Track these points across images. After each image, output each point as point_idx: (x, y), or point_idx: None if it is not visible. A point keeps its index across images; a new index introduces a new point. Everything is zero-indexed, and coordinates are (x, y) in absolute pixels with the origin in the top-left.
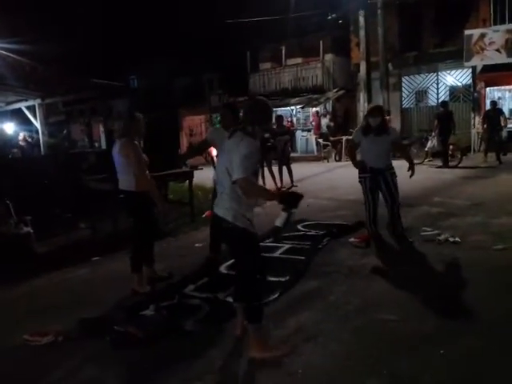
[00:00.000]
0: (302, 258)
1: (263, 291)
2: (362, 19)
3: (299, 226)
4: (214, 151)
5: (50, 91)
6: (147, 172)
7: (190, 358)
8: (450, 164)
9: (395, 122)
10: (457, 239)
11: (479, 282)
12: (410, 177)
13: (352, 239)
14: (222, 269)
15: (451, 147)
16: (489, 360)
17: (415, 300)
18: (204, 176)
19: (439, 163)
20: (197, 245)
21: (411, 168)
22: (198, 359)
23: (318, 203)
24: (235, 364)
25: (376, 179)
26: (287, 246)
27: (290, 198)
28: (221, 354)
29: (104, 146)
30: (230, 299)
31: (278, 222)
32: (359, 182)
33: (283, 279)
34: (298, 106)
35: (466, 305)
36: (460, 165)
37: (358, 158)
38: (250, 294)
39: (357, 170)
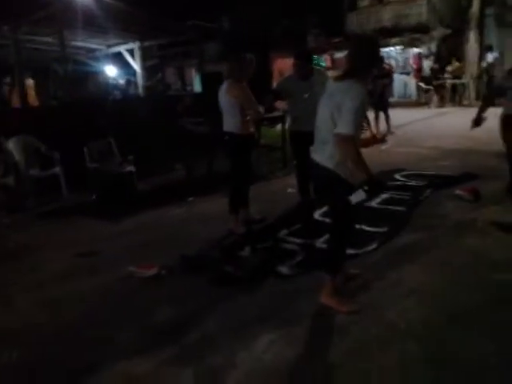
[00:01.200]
0: (402, 208)
1: (351, 244)
2: None
3: (397, 176)
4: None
5: (147, 34)
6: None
7: (287, 301)
8: None
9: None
10: None
11: None
12: None
13: (458, 191)
14: (317, 215)
15: None
16: None
17: None
18: None
19: None
20: (290, 190)
21: None
22: (295, 302)
23: (418, 152)
24: (333, 313)
25: None
26: (384, 196)
27: (376, 185)
28: (317, 300)
29: (197, 89)
30: (325, 246)
31: (353, 200)
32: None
33: (381, 230)
34: (398, 47)
35: None
36: None
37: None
38: (335, 243)
39: (465, 118)
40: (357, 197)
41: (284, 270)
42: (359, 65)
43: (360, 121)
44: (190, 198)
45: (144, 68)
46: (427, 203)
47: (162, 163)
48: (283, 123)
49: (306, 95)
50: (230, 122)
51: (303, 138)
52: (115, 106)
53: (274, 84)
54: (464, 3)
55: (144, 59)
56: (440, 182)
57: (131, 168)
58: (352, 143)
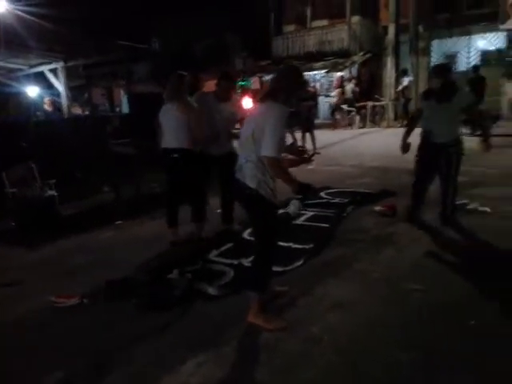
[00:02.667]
0: (326, 225)
1: (278, 261)
2: None
3: (322, 194)
4: None
5: (72, 54)
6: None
7: (216, 323)
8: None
9: (422, 88)
10: (486, 209)
11: (509, 253)
12: (486, 151)
13: (378, 208)
14: (246, 235)
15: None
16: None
17: (441, 270)
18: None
19: (467, 130)
20: (218, 210)
21: (485, 141)
22: (223, 324)
23: (341, 170)
24: (260, 331)
25: (435, 154)
26: (310, 214)
27: (307, 190)
28: (244, 320)
29: (125, 110)
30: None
31: (291, 211)
32: (416, 161)
33: (307, 246)
34: (322, 71)
35: (495, 276)
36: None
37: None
38: (260, 261)
39: (384, 137)
40: (293, 208)
41: (212, 291)
42: (282, 89)
43: (283, 140)
44: (118, 222)
45: (69, 88)
46: (349, 219)
47: (90, 186)
48: None
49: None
50: (178, 138)
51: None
52: (38, 128)
53: None
54: (381, 31)
55: (69, 79)
56: (361, 198)
57: (52, 192)
58: (276, 162)
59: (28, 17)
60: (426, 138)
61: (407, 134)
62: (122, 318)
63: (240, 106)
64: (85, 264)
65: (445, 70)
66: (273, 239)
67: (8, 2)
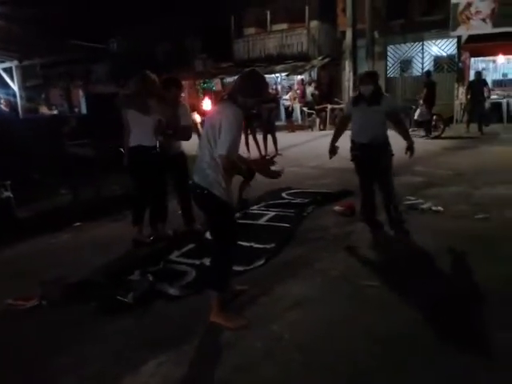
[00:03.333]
0: (287, 225)
1: (235, 261)
2: None
3: (284, 194)
4: (197, 118)
5: (27, 53)
6: None
7: (177, 323)
8: (433, 134)
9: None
10: (439, 208)
11: (459, 250)
12: (410, 157)
13: (337, 207)
14: (208, 235)
15: (434, 117)
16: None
17: (396, 266)
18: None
19: (422, 133)
20: (179, 212)
21: (410, 148)
22: (184, 324)
23: (302, 171)
24: (221, 330)
25: (369, 157)
26: (272, 214)
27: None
28: (205, 319)
29: (84, 110)
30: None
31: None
32: (352, 160)
33: (268, 246)
34: (282, 74)
35: (445, 272)
36: (443, 135)
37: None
38: (219, 261)
39: (342, 139)
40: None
41: (173, 291)
42: (242, 93)
43: (237, 140)
44: (77, 223)
45: (25, 88)
46: (310, 219)
47: (46, 188)
48: None
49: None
50: (146, 138)
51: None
52: None
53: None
54: (339, 35)
55: (25, 79)
56: (321, 198)
57: (8, 194)
58: (230, 160)
59: None
60: (356, 140)
61: (335, 138)
62: (82, 320)
63: (196, 109)
64: (43, 266)
65: (375, 76)
66: (230, 238)
67: None
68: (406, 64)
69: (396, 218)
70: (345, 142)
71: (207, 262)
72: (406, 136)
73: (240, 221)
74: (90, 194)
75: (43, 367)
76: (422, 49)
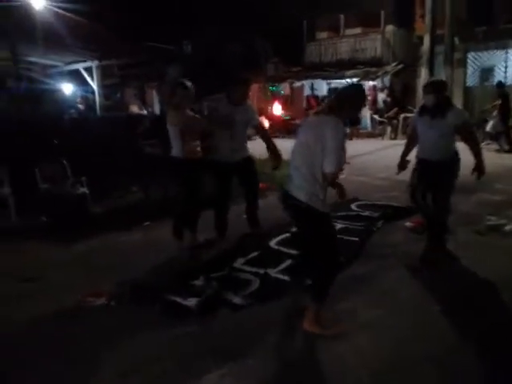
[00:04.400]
0: (356, 239)
1: (336, 272)
2: None
3: (353, 206)
4: (265, 122)
5: (106, 53)
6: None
7: (240, 334)
8: (508, 148)
9: (457, 101)
10: None
11: None
12: (478, 178)
13: (408, 223)
14: (273, 244)
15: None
16: None
17: (471, 293)
18: (255, 146)
19: (496, 147)
20: (245, 216)
21: (479, 168)
22: (248, 335)
23: (371, 182)
24: (286, 347)
25: (429, 174)
26: (340, 226)
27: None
28: (271, 331)
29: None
30: (280, 276)
31: None
32: (412, 173)
33: None
34: (354, 79)
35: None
36: None
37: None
38: (321, 274)
39: (415, 150)
40: None
41: (237, 300)
42: (345, 106)
43: (343, 154)
44: (146, 223)
45: (103, 87)
46: (379, 233)
47: (119, 185)
48: None
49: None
50: (174, 147)
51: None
52: (71, 125)
53: None
54: (415, 41)
55: (103, 78)
56: (391, 212)
57: (84, 190)
58: (336, 176)
59: (63, 12)
60: (419, 155)
61: (406, 151)
62: (147, 322)
63: (261, 111)
64: (112, 265)
65: (439, 86)
66: (331, 250)
67: None
68: (486, 72)
69: (440, 235)
70: None
71: (272, 272)
72: (477, 154)
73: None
74: (159, 193)
75: (102, 366)
76: (506, 57)
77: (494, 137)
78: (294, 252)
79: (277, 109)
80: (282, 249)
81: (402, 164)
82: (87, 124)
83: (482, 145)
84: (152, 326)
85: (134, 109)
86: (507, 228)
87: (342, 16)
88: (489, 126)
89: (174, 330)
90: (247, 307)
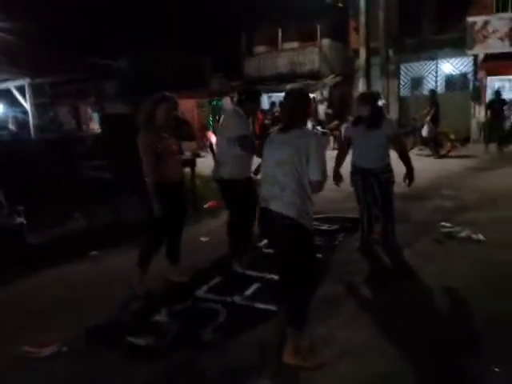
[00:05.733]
0: (319, 256)
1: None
2: (362, 3)
3: None
4: (212, 137)
5: (39, 70)
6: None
7: (213, 376)
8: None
9: (393, 111)
10: (480, 237)
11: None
12: (408, 185)
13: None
14: (236, 267)
15: (440, 136)
16: None
17: (449, 306)
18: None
19: (428, 152)
20: (202, 239)
21: (409, 176)
22: (221, 377)
23: (322, 194)
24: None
25: (369, 182)
26: None
27: None
28: (247, 369)
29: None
30: (248, 303)
31: None
32: (352, 185)
33: None
34: None
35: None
36: (461, 154)
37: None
38: (299, 298)
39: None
40: None
41: (206, 335)
42: (301, 113)
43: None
44: (93, 252)
45: (35, 106)
46: (341, 248)
47: (60, 212)
48: (193, 167)
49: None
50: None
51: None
52: (3, 148)
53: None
54: (351, 53)
55: (34, 97)
56: (350, 225)
57: (21, 219)
58: (324, 184)
59: None
60: (355, 165)
61: (338, 163)
62: (106, 369)
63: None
64: (60, 303)
65: (373, 97)
66: (312, 272)
67: None
68: (418, 82)
69: (394, 244)
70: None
71: (237, 298)
72: (407, 162)
73: (264, 250)
74: (107, 219)
75: None
76: (436, 67)
77: (426, 142)
78: (259, 274)
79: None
80: (247, 272)
81: (337, 175)
82: (21, 147)
83: (415, 150)
84: (113, 373)
85: (94, 126)
86: (462, 234)
87: (279, 30)
88: (424, 131)
89: (140, 376)
90: (217, 344)
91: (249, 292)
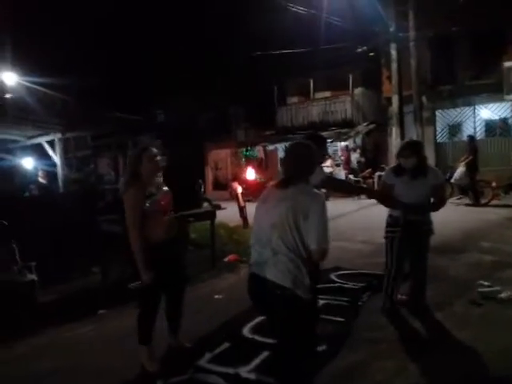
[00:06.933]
0: (341, 319)
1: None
2: (394, 52)
3: (333, 276)
4: (238, 188)
5: (70, 125)
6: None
7: None
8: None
9: (430, 158)
10: None
11: None
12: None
13: (399, 295)
14: (246, 331)
15: (480, 183)
16: None
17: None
18: (227, 213)
19: (468, 201)
20: (216, 296)
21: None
22: None
23: (351, 247)
24: None
25: (408, 234)
26: (321, 302)
27: None
28: None
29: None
30: (254, 376)
31: None
32: (385, 237)
33: (320, 349)
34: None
35: None
36: (503, 203)
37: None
38: (295, 374)
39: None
40: None
41: None
42: (305, 172)
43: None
44: (101, 311)
45: (75, 158)
46: (366, 310)
47: (75, 267)
48: (212, 219)
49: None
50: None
51: None
52: (28, 203)
53: (210, 175)
54: (384, 101)
55: (76, 150)
56: (377, 283)
57: (32, 276)
58: (327, 252)
59: (36, 87)
60: (396, 215)
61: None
62: None
63: (235, 176)
64: (62, 368)
65: (417, 147)
66: (309, 350)
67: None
68: (455, 129)
69: (424, 306)
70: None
71: (244, 370)
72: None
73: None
74: (116, 276)
75: None
76: (474, 113)
77: (465, 191)
78: (269, 341)
79: (250, 173)
80: (256, 338)
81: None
82: (46, 200)
83: (453, 199)
84: None
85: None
86: (503, 295)
87: (311, 80)
88: (456, 175)
89: None
90: None
91: (256, 361)
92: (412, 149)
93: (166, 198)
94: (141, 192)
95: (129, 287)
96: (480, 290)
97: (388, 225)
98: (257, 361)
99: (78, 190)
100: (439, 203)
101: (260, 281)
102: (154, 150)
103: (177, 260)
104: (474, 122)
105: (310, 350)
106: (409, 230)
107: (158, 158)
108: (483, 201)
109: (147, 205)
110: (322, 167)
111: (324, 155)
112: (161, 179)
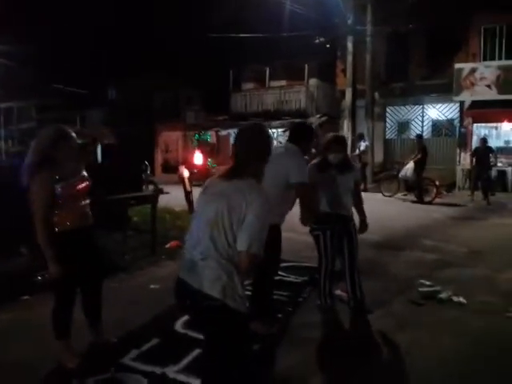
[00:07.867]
0: (279, 315)
1: None
2: (350, 45)
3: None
4: (185, 172)
5: (12, 93)
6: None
7: None
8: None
9: (378, 153)
10: (461, 300)
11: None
12: (361, 233)
13: (338, 291)
14: (178, 326)
15: (425, 181)
16: None
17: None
18: (175, 198)
19: (413, 198)
20: (152, 286)
21: (363, 225)
22: None
23: (298, 238)
24: None
25: (338, 232)
26: None
27: None
28: None
29: None
30: (183, 377)
31: None
32: (314, 235)
33: (254, 348)
34: (279, 130)
35: None
36: (446, 201)
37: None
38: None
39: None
40: None
41: None
42: (253, 157)
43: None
44: (25, 297)
45: (18, 131)
46: (306, 306)
47: (6, 246)
48: (154, 203)
49: None
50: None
51: None
52: None
53: (159, 157)
54: (338, 94)
55: (19, 121)
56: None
57: None
58: (259, 258)
59: None
60: (327, 211)
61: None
62: None
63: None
64: None
65: (345, 142)
66: (247, 368)
67: None
68: (404, 126)
69: (361, 299)
70: None
71: (170, 370)
72: (361, 210)
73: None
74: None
75: None
76: (422, 112)
77: (410, 188)
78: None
79: (198, 158)
80: (189, 333)
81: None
82: None
83: (400, 195)
84: None
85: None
86: (443, 296)
87: (267, 68)
88: (403, 171)
89: None
90: None
91: (187, 360)
92: (344, 144)
93: (81, 183)
94: (51, 179)
95: (34, 280)
96: (420, 289)
97: (317, 221)
98: (188, 359)
99: (16, 163)
100: (360, 197)
101: (187, 288)
102: (74, 136)
103: (92, 250)
104: (422, 121)
105: (242, 362)
106: (335, 226)
107: (78, 142)
108: (427, 198)
109: (59, 189)
110: (315, 168)
111: (310, 150)
112: (82, 165)
